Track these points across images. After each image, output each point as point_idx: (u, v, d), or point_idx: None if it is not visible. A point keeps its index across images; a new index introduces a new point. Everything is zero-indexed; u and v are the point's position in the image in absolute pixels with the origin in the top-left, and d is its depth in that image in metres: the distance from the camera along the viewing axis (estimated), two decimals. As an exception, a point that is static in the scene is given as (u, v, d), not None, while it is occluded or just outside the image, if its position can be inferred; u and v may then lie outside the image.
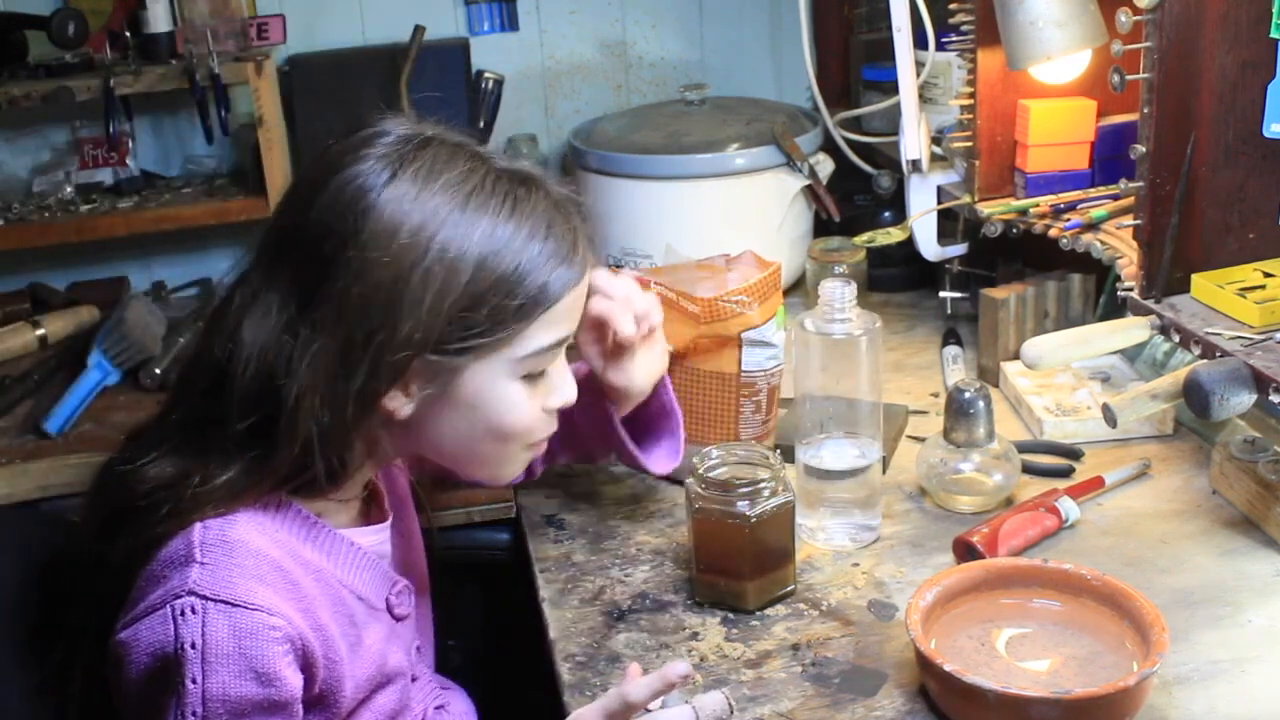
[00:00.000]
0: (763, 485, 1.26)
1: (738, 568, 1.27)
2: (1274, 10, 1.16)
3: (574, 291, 1.08)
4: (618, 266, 1.93)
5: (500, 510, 1.56)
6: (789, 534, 1.30)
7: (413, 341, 1.00)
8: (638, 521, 1.47)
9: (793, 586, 1.31)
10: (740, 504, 1.25)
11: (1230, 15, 1.24)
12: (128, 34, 2.01)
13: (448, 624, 1.67)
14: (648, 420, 1.41)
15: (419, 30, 2.10)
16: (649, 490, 1.53)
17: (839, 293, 1.34)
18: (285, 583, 1.01)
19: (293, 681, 0.99)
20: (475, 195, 1.03)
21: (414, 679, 1.20)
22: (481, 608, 1.68)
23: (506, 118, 2.28)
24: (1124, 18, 1.27)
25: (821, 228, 2.08)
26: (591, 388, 1.33)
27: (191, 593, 0.96)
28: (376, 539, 1.15)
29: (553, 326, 1.08)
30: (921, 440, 1.49)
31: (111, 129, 1.96)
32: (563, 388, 1.14)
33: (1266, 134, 1.22)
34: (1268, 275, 1.30)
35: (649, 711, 1.07)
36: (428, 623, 1.29)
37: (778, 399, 1.51)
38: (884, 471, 1.47)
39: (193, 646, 0.95)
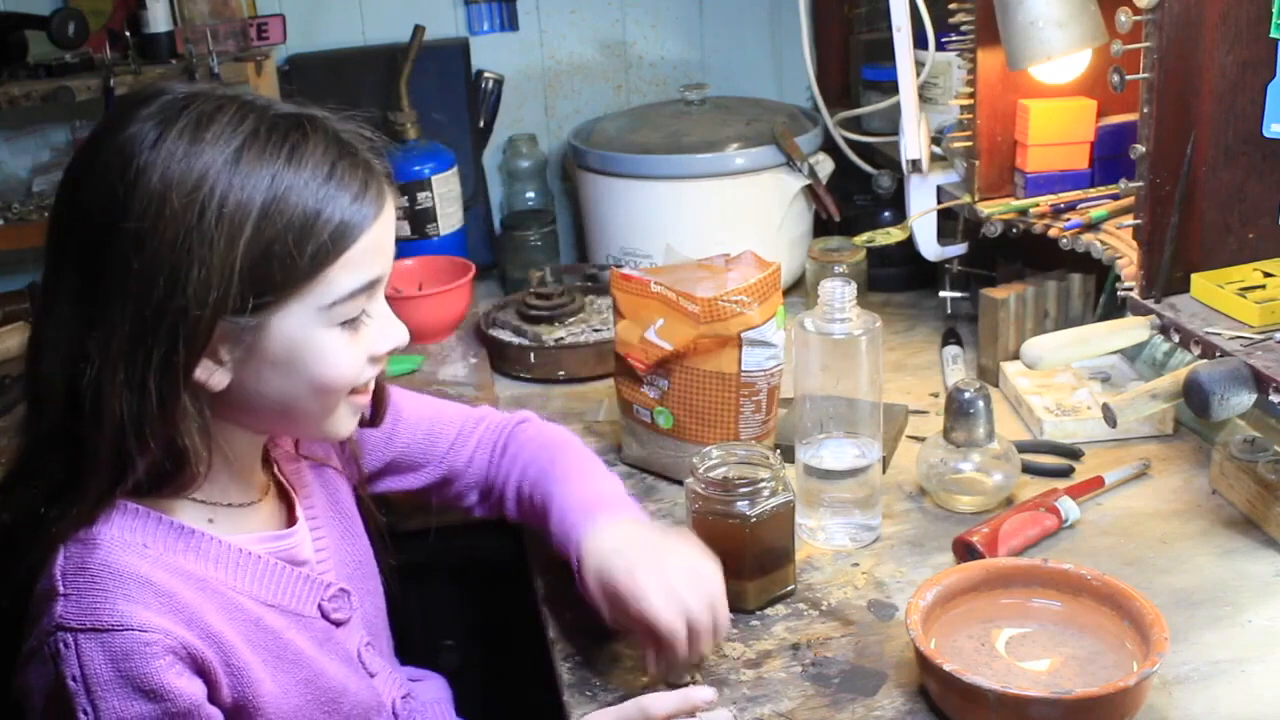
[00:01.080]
0: (763, 485, 1.26)
1: (738, 567, 1.27)
2: (1274, 10, 1.16)
3: (372, 230, 1.03)
4: (618, 266, 1.93)
5: (500, 510, 1.55)
6: (789, 534, 1.30)
7: (207, 306, 0.96)
8: (638, 521, 1.46)
9: (793, 586, 1.31)
10: (740, 504, 1.25)
11: (1230, 15, 1.24)
12: (128, 34, 2.01)
13: (448, 624, 1.68)
14: None
15: (419, 30, 2.10)
16: (649, 490, 1.53)
17: (839, 293, 1.34)
18: (157, 596, 0.98)
19: (187, 690, 0.98)
20: (249, 145, 0.98)
21: (373, 675, 1.19)
22: (481, 608, 1.67)
23: (506, 118, 2.28)
24: (1124, 18, 1.27)
25: (821, 228, 2.08)
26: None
27: (59, 628, 0.95)
28: (279, 545, 1.12)
29: (356, 269, 1.02)
30: (921, 440, 1.49)
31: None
32: (388, 330, 1.10)
33: (1266, 134, 1.22)
34: (1268, 275, 1.30)
35: None
36: (380, 617, 1.27)
37: (778, 399, 1.51)
38: (884, 471, 1.47)
39: (74, 680, 0.95)
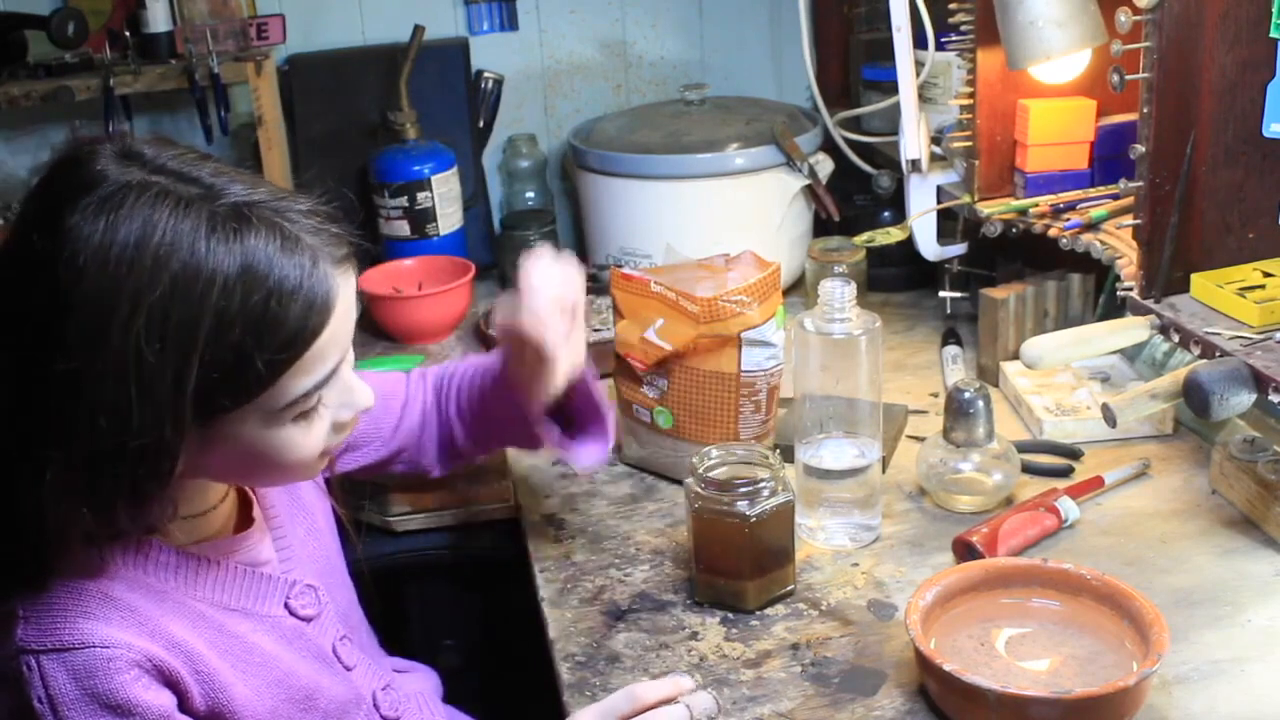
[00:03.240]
0: (762, 485, 1.26)
1: (737, 567, 1.27)
2: (1274, 10, 1.16)
3: (325, 333, 0.96)
4: (618, 266, 1.93)
5: (500, 510, 1.56)
6: (789, 534, 1.30)
7: (162, 441, 0.91)
8: (637, 521, 1.47)
9: (792, 586, 1.31)
10: (740, 504, 1.25)
11: (1230, 15, 1.24)
12: (127, 34, 2.01)
13: (448, 624, 1.68)
14: (571, 411, 1.37)
15: (419, 30, 2.10)
16: (649, 490, 1.53)
17: (839, 292, 1.34)
18: (117, 610, 0.98)
19: (156, 702, 0.98)
20: (190, 259, 0.90)
21: (350, 668, 1.19)
22: (481, 608, 1.68)
23: (506, 117, 2.28)
24: (1124, 18, 1.27)
25: (821, 228, 2.08)
26: (506, 381, 1.31)
27: (21, 650, 0.95)
28: (235, 549, 1.11)
29: (310, 372, 0.97)
30: (921, 440, 1.49)
31: (111, 129, 1.96)
32: (350, 400, 1.05)
33: (1266, 134, 1.22)
34: (1267, 275, 1.30)
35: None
36: (355, 610, 1.26)
37: (777, 399, 1.51)
38: (884, 471, 1.47)
39: (40, 702, 0.95)
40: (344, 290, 0.98)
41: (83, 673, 0.95)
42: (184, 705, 1.01)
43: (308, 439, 1.01)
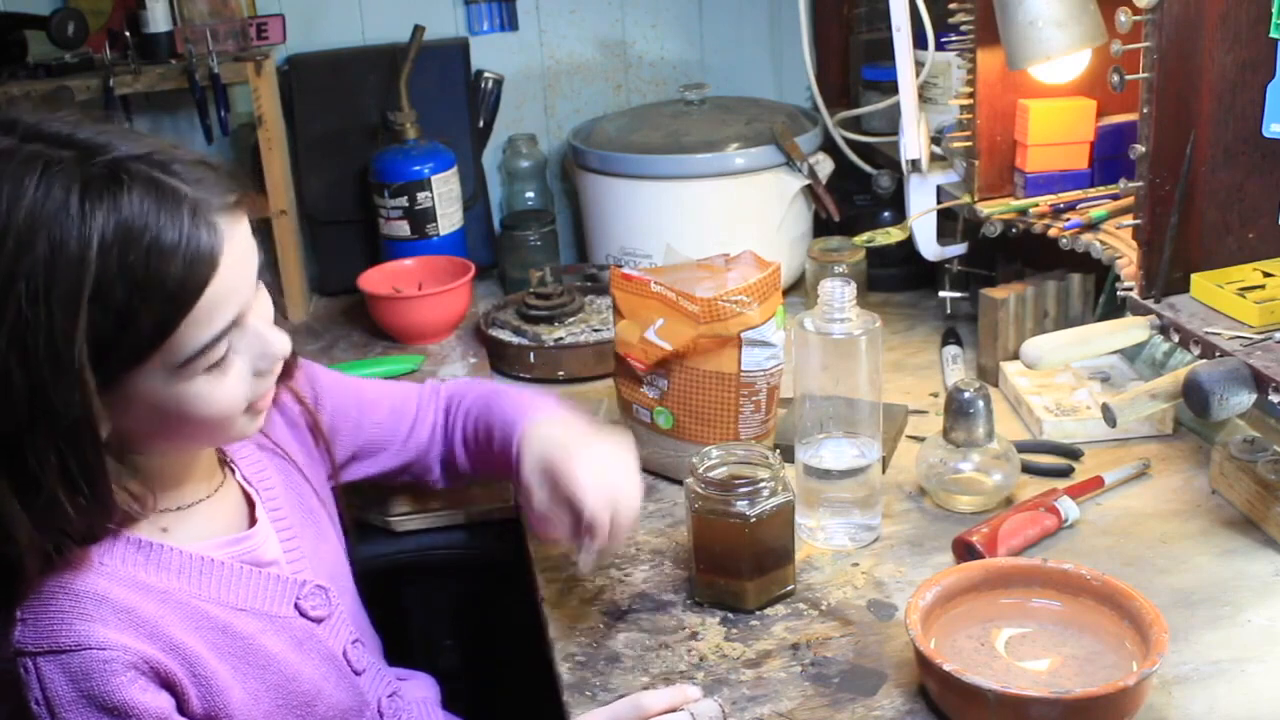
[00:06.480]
0: (762, 485, 1.26)
1: (737, 567, 1.27)
2: (1274, 10, 1.16)
3: (214, 283, 0.94)
4: (618, 266, 1.93)
5: (500, 510, 1.56)
6: (789, 534, 1.30)
7: (70, 407, 0.91)
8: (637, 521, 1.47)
9: (792, 586, 1.31)
10: (740, 504, 1.25)
11: (1230, 15, 1.24)
12: (127, 34, 2.01)
13: (448, 624, 1.68)
14: None
15: (418, 30, 2.10)
16: (648, 490, 1.53)
17: (839, 293, 1.34)
18: (114, 612, 0.98)
19: (153, 704, 0.98)
20: (61, 223, 0.89)
21: (359, 673, 1.19)
22: (481, 608, 1.67)
23: (506, 117, 2.28)
24: (1123, 18, 1.27)
25: (821, 228, 2.08)
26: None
27: (19, 653, 0.96)
28: (240, 548, 1.11)
29: (208, 322, 0.95)
30: (921, 440, 1.49)
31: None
32: (266, 348, 1.02)
33: (1266, 134, 1.22)
34: (1267, 275, 1.30)
35: None
36: (361, 617, 1.27)
37: (777, 399, 1.51)
38: (883, 471, 1.47)
39: (38, 704, 0.95)
40: (233, 239, 0.97)
41: (80, 674, 0.95)
42: (181, 708, 1.01)
43: (223, 390, 0.99)
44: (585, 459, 1.22)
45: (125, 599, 0.99)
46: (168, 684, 1.00)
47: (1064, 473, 1.49)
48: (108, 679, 0.96)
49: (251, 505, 1.16)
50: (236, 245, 0.97)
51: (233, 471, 1.17)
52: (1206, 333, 1.26)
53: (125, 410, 0.97)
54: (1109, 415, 1.29)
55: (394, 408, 1.40)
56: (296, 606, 1.13)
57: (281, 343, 1.04)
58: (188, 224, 0.93)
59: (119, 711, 0.96)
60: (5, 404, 0.91)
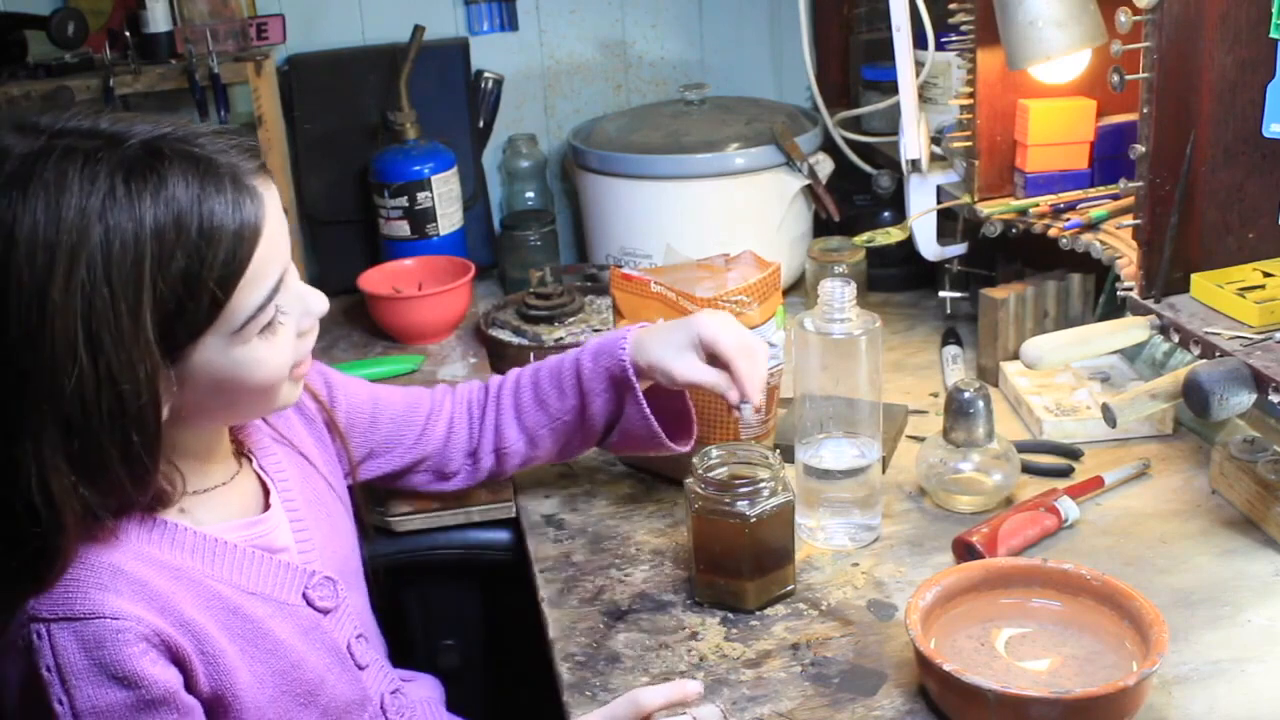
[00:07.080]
0: (763, 485, 1.26)
1: (737, 567, 1.27)
2: (1274, 10, 1.16)
3: (263, 242, 0.99)
4: (618, 266, 1.93)
5: (500, 510, 1.55)
6: (789, 534, 1.30)
7: (138, 384, 0.93)
8: (637, 521, 1.47)
9: (792, 586, 1.31)
10: (740, 504, 1.25)
11: (1230, 15, 1.24)
12: (127, 34, 2.01)
13: (448, 624, 1.68)
14: (663, 401, 1.40)
15: (419, 30, 2.10)
16: (648, 490, 1.53)
17: (839, 293, 1.34)
18: (129, 584, 0.99)
19: (162, 677, 0.98)
20: (110, 209, 0.92)
21: (363, 667, 1.19)
22: (481, 608, 1.67)
23: (506, 117, 2.28)
24: (1123, 18, 1.27)
25: (821, 228, 2.08)
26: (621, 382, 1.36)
27: (33, 619, 0.96)
28: (252, 531, 1.12)
29: (257, 285, 0.99)
30: (921, 440, 1.49)
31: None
32: (308, 307, 1.08)
33: (1266, 134, 1.22)
34: (1267, 275, 1.30)
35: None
36: (368, 615, 1.27)
37: (778, 399, 1.51)
38: (884, 471, 1.47)
39: (48, 670, 0.95)
40: (270, 201, 1.01)
41: (92, 643, 0.96)
42: (188, 685, 1.02)
43: (275, 351, 1.03)
44: (709, 324, 1.32)
45: (139, 572, 1.00)
46: (177, 660, 1.00)
47: (1064, 473, 1.49)
48: (120, 648, 0.96)
49: (267, 493, 1.17)
50: (273, 207, 1.01)
51: (250, 461, 1.18)
52: (1206, 333, 1.26)
53: (185, 387, 1.00)
54: (1109, 415, 1.29)
55: (409, 404, 1.41)
56: (304, 596, 1.14)
57: (319, 300, 1.09)
58: (231, 192, 0.97)
59: (128, 681, 0.97)
60: (77, 391, 0.93)
